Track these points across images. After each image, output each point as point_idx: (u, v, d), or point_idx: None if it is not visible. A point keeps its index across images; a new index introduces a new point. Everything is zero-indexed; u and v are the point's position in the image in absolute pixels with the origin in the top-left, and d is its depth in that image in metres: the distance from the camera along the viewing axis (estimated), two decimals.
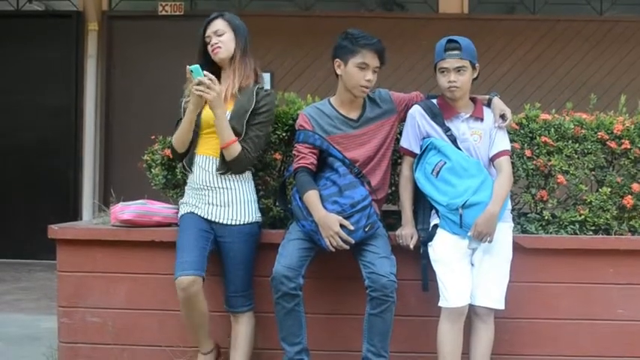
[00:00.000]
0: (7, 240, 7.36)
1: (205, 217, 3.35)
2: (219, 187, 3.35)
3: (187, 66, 3.27)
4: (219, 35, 3.40)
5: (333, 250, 3.22)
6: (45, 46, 7.41)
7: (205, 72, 3.24)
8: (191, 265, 3.21)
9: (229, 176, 3.36)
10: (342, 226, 3.19)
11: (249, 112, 3.34)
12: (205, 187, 3.36)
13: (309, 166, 3.36)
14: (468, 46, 3.35)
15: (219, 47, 3.39)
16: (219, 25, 3.42)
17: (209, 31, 3.41)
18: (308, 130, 3.39)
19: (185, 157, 3.43)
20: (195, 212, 3.37)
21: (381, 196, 3.48)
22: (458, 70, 3.31)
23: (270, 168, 3.72)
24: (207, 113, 3.35)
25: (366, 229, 3.23)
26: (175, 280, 3.21)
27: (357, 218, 3.21)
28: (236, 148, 3.29)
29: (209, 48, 3.41)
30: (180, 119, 3.40)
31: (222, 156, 3.33)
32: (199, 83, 3.21)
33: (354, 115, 3.44)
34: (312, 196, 3.27)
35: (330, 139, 3.38)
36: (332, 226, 3.18)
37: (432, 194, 3.33)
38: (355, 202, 3.22)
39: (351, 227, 3.19)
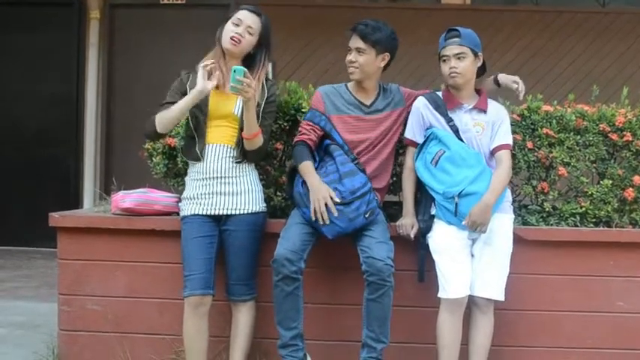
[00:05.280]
0: (8, 227, 7.34)
1: (210, 213, 3.29)
2: (231, 176, 3.31)
3: (233, 67, 3.11)
4: (250, 33, 3.31)
5: (314, 219, 3.20)
6: (46, 34, 7.37)
7: (245, 70, 3.14)
8: (200, 283, 3.23)
9: (242, 165, 3.34)
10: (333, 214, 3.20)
11: (263, 103, 3.34)
12: (217, 177, 3.30)
13: (309, 142, 3.40)
14: (468, 34, 3.38)
15: (238, 42, 3.28)
16: (255, 22, 3.33)
17: (243, 17, 3.29)
18: (318, 110, 3.44)
19: (159, 138, 3.44)
20: (199, 212, 3.30)
21: (381, 185, 3.49)
22: (457, 56, 3.33)
23: (271, 157, 3.72)
24: (216, 103, 3.28)
25: (367, 216, 3.24)
26: (185, 298, 3.25)
27: (357, 205, 3.22)
28: (261, 139, 3.29)
29: (229, 30, 3.28)
30: (170, 102, 3.30)
31: (239, 145, 3.30)
32: (241, 82, 3.09)
33: (367, 102, 3.49)
34: (307, 166, 3.31)
35: (339, 119, 3.43)
36: (322, 192, 3.20)
37: (430, 183, 3.34)
38: (355, 189, 3.23)
39: (337, 199, 3.19)
